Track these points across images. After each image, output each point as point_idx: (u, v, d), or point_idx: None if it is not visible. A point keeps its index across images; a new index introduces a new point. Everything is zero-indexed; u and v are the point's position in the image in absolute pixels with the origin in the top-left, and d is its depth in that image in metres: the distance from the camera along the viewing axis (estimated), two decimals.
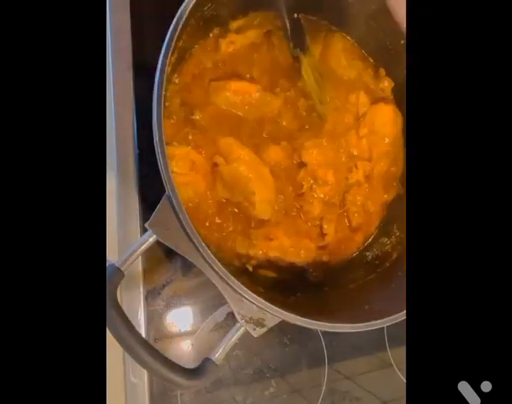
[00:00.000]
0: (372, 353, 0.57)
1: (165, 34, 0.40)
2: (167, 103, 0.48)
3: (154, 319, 0.52)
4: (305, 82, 0.51)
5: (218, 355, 0.41)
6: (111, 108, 0.51)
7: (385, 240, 0.55)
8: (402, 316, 0.42)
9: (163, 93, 0.39)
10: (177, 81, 0.49)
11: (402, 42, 0.52)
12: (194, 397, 0.52)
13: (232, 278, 0.39)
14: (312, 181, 0.51)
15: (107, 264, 0.40)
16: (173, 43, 0.40)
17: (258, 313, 0.41)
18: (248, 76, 0.51)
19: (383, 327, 0.42)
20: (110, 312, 0.37)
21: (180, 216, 0.38)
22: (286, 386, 0.54)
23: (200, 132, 0.49)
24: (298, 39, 0.51)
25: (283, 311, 0.40)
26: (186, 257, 0.40)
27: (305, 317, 0.40)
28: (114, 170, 0.51)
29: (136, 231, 0.50)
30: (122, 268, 0.40)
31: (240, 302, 0.41)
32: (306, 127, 0.52)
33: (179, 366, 0.39)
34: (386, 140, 0.54)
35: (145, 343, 0.38)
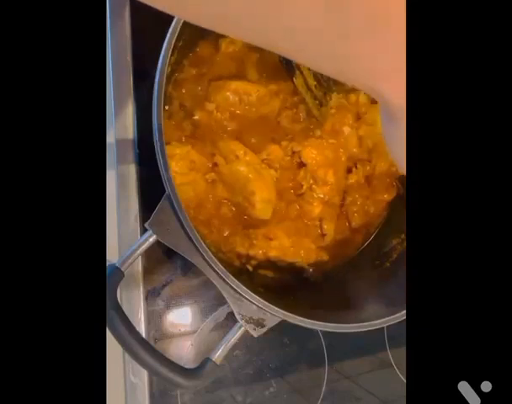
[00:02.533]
0: (372, 353, 0.57)
1: (165, 34, 0.40)
2: (166, 104, 0.48)
3: (154, 319, 0.52)
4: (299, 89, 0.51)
5: (218, 355, 0.41)
6: (111, 109, 0.51)
7: (385, 240, 0.55)
8: (402, 316, 0.42)
9: (163, 93, 0.39)
10: (177, 81, 0.49)
11: None
12: (194, 397, 0.52)
13: (232, 278, 0.39)
14: (311, 181, 0.51)
15: (107, 264, 0.40)
16: (173, 43, 0.40)
17: (258, 313, 0.41)
18: (248, 76, 0.51)
19: (383, 327, 0.42)
20: (110, 312, 0.37)
21: (180, 216, 0.38)
22: (286, 386, 0.54)
23: (200, 132, 0.49)
24: None
25: (283, 311, 0.40)
26: (186, 257, 0.40)
27: (305, 317, 0.40)
28: (114, 170, 0.51)
29: (135, 231, 0.50)
30: (122, 268, 0.40)
31: (240, 302, 0.41)
32: (306, 127, 0.52)
33: (179, 366, 0.39)
34: None
35: (145, 343, 0.38)
